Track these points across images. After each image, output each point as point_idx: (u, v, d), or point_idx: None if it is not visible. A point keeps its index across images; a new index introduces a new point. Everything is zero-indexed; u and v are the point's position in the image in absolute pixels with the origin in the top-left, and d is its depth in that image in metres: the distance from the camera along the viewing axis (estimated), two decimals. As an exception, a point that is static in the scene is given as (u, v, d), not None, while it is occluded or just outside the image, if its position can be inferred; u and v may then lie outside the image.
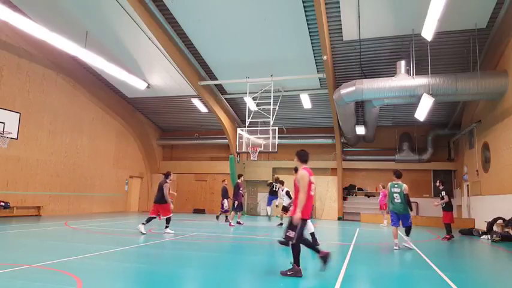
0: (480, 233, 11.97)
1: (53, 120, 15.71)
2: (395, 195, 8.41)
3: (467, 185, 16.45)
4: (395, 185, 8.46)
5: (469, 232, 12.54)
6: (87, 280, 4.49)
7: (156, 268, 5.51)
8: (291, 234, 5.11)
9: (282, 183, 13.00)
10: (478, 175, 14.65)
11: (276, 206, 14.61)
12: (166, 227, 10.05)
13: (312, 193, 5.43)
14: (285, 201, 13.15)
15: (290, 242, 5.22)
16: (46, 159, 15.30)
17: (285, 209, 13.58)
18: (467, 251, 9.33)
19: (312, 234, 7.77)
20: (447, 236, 10.80)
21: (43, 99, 15.23)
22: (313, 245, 5.62)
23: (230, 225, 13.19)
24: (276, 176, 15.92)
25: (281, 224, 13.87)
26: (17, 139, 13.33)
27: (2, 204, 13.24)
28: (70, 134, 16.65)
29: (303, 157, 5.55)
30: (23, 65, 14.32)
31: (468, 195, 16.43)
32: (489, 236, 11.05)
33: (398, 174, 8.59)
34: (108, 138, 19.26)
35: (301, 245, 5.22)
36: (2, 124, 12.51)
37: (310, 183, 5.32)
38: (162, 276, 5.06)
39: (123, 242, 8.09)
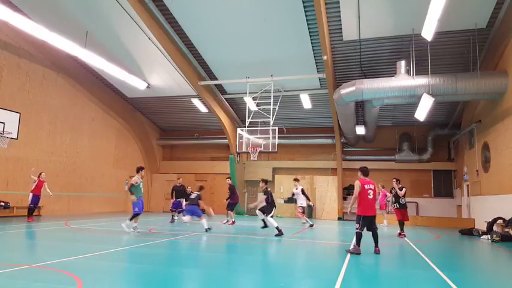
0: (480, 233, 11.96)
1: (52, 120, 15.71)
2: None
3: (467, 185, 16.45)
4: None
5: (469, 232, 12.53)
6: (87, 280, 4.49)
7: (156, 268, 5.51)
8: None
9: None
10: (478, 175, 14.65)
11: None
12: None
13: (370, 196, 7.66)
14: (301, 200, 13.45)
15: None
16: (46, 159, 15.30)
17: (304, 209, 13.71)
18: (467, 251, 9.33)
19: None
20: (402, 233, 10.89)
21: (43, 99, 15.22)
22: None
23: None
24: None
25: (312, 225, 13.56)
26: (17, 139, 13.33)
27: (2, 204, 13.24)
28: (70, 134, 16.64)
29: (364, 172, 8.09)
30: (23, 65, 14.32)
31: (468, 195, 16.43)
32: (489, 236, 11.04)
33: None
34: (108, 138, 19.25)
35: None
36: (2, 124, 12.50)
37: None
38: (162, 276, 5.06)
39: (123, 242, 8.09)
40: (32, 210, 12.46)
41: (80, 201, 17.21)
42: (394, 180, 11.31)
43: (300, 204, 13.87)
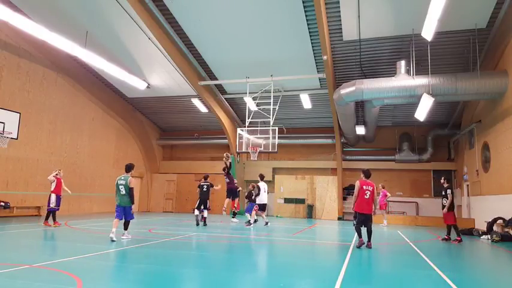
0: (480, 233, 11.97)
1: (53, 120, 15.70)
2: None
3: (467, 185, 16.45)
4: None
5: (469, 232, 12.54)
6: (87, 280, 4.49)
7: (156, 268, 5.51)
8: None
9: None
10: (478, 175, 14.65)
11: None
12: None
13: (366, 196, 8.32)
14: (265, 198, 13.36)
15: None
16: (46, 159, 15.29)
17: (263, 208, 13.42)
18: (467, 251, 9.32)
19: None
20: (458, 238, 10.07)
21: (43, 99, 15.22)
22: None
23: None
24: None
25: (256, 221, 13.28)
26: (17, 139, 13.32)
27: (2, 204, 13.24)
28: (70, 134, 16.64)
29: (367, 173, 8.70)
30: (23, 65, 14.31)
31: (468, 195, 16.43)
32: (489, 236, 11.04)
33: None
34: (108, 138, 19.24)
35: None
36: (2, 124, 12.50)
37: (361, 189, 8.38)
38: (162, 276, 5.06)
39: (123, 242, 8.08)
40: (53, 212, 11.05)
41: (80, 201, 17.20)
42: (443, 180, 10.61)
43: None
